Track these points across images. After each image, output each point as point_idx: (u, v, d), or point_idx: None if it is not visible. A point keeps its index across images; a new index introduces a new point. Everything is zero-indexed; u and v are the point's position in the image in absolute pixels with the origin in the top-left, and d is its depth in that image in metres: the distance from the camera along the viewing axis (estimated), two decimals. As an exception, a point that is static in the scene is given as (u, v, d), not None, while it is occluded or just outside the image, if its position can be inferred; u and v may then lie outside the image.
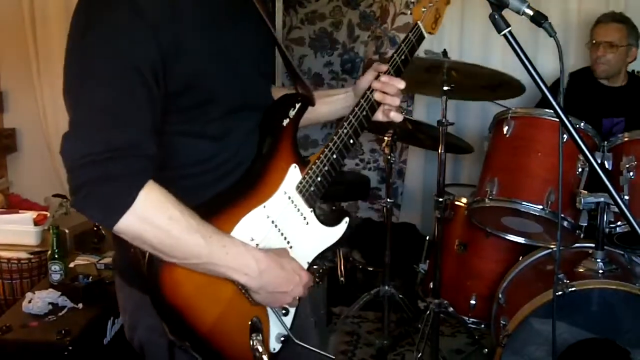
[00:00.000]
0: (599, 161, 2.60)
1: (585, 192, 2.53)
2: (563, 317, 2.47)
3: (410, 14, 1.77)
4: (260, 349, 1.46)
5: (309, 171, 1.59)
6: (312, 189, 1.60)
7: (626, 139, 2.66)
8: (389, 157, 3.38)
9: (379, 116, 1.74)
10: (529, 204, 2.60)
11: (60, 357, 2.27)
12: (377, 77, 1.70)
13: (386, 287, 3.39)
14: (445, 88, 2.95)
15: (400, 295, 3.47)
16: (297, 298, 1.53)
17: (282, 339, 1.57)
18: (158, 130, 1.34)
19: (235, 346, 1.48)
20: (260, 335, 1.48)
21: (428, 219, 4.36)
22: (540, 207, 2.57)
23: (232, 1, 1.51)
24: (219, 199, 1.46)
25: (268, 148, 1.54)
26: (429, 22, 1.76)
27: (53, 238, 2.77)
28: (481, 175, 2.85)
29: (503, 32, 1.38)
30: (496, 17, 1.38)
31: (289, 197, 1.56)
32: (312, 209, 1.61)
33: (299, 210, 1.58)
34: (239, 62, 1.49)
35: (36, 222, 3.29)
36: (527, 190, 2.64)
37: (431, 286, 3.08)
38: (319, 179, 1.60)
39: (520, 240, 2.91)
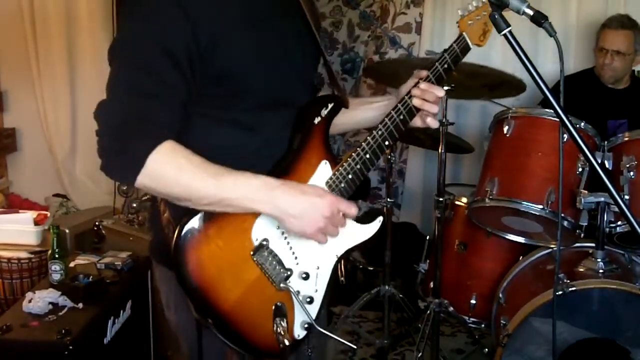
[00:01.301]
0: (599, 161, 2.60)
1: (586, 191, 2.53)
2: (563, 316, 2.47)
3: (458, 25, 1.77)
4: (283, 333, 1.49)
5: (340, 168, 1.63)
6: (342, 185, 1.63)
7: (626, 139, 2.66)
8: (389, 157, 3.37)
9: (417, 122, 1.76)
10: (529, 204, 2.60)
11: (61, 356, 2.27)
12: (417, 84, 1.71)
13: (386, 287, 3.39)
14: (445, 88, 2.94)
15: (401, 295, 3.46)
16: (332, 228, 1.55)
17: (307, 326, 1.61)
18: (185, 107, 1.44)
19: (257, 329, 1.53)
20: (284, 320, 1.51)
21: (428, 218, 4.36)
22: (541, 206, 2.57)
23: (274, 3, 1.58)
24: None
25: (298, 144, 1.60)
26: (477, 34, 1.76)
27: (53, 238, 2.77)
28: (481, 175, 2.85)
29: (503, 32, 1.39)
30: (496, 17, 1.38)
31: None
32: None
33: None
34: (278, 59, 1.56)
35: (36, 222, 3.29)
36: (527, 190, 2.63)
37: (431, 286, 3.08)
38: (350, 176, 1.64)
39: (521, 239, 2.90)
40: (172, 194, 1.42)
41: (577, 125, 2.60)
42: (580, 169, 2.60)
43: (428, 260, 3.35)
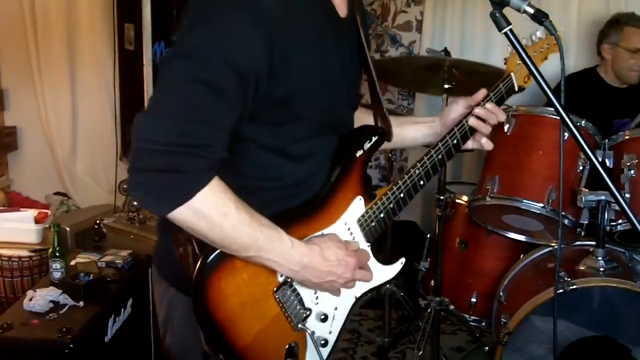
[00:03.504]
0: (600, 159, 2.60)
1: (586, 190, 2.53)
2: (564, 315, 2.47)
3: (505, 63, 1.76)
4: None
5: (373, 206, 1.60)
6: (373, 224, 1.60)
7: (627, 137, 2.65)
8: (390, 155, 3.37)
9: (468, 144, 1.76)
10: (530, 202, 2.59)
11: (61, 355, 2.27)
12: (479, 104, 1.72)
13: (387, 285, 3.39)
14: (446, 86, 2.94)
15: (401, 293, 3.47)
16: (353, 283, 1.54)
17: None
18: (233, 133, 1.34)
19: None
20: None
21: (429, 216, 4.36)
22: (541, 205, 2.57)
23: (338, 23, 1.52)
24: (282, 216, 1.45)
25: (337, 176, 1.55)
26: (522, 76, 1.77)
27: (54, 236, 2.76)
28: (482, 173, 2.85)
29: (504, 30, 1.38)
30: (497, 15, 1.38)
31: (349, 229, 1.57)
32: (369, 244, 1.62)
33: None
34: (336, 87, 1.51)
35: (37, 220, 3.30)
36: (528, 188, 2.63)
37: (432, 284, 3.08)
38: (381, 215, 1.61)
39: (521, 238, 2.90)
40: (209, 236, 1.32)
41: (578, 124, 2.60)
42: (580, 167, 2.60)
43: (429, 259, 3.34)
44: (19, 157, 4.76)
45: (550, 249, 2.85)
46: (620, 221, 2.56)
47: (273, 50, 1.30)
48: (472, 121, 1.69)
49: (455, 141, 1.68)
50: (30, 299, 2.49)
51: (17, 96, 4.66)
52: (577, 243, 2.74)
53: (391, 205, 1.61)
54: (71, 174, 4.71)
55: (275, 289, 1.45)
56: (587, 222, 2.59)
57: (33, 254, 3.10)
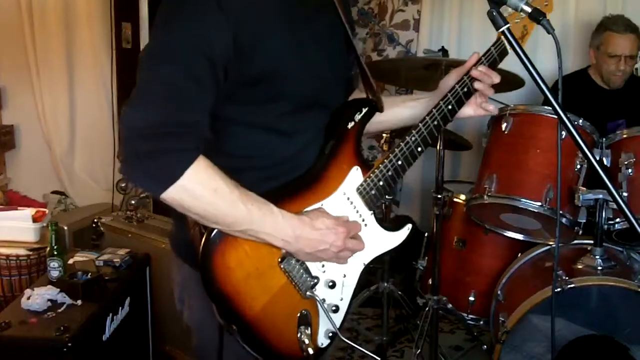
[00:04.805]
0: (598, 158, 2.60)
1: (584, 188, 2.53)
2: (562, 313, 2.47)
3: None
4: (307, 341, 1.49)
5: (371, 175, 1.62)
6: (373, 192, 1.62)
7: (625, 136, 2.66)
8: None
9: (468, 111, 1.75)
10: (527, 201, 2.60)
11: (59, 353, 2.27)
12: (474, 66, 1.70)
13: (385, 284, 3.39)
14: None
15: (399, 292, 3.47)
16: (347, 252, 1.55)
17: (331, 334, 1.61)
18: (212, 115, 1.41)
19: (281, 337, 1.52)
20: (308, 328, 1.51)
21: (427, 215, 4.36)
22: (539, 203, 2.57)
23: (315, 3, 1.56)
24: (278, 192, 1.49)
25: (331, 149, 1.58)
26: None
27: (52, 235, 2.76)
28: (480, 171, 2.85)
29: (501, 29, 1.38)
30: (494, 13, 1.38)
31: (348, 198, 1.59)
32: (372, 212, 1.64)
33: (357, 211, 1.61)
34: (314, 61, 1.54)
35: (35, 219, 3.29)
36: (526, 187, 2.63)
37: (430, 283, 3.08)
38: (381, 183, 1.62)
39: (519, 237, 2.91)
40: (201, 213, 1.37)
41: (575, 123, 2.60)
42: (578, 166, 2.60)
43: (427, 257, 3.35)
44: (16, 156, 4.75)
45: (548, 247, 2.86)
46: (617, 220, 2.57)
47: (239, 32, 1.36)
48: (476, 84, 1.69)
49: (450, 107, 1.68)
50: (28, 298, 2.49)
51: (14, 94, 4.66)
52: (575, 242, 2.74)
53: (389, 173, 1.63)
54: (69, 173, 4.71)
55: (279, 259, 1.49)
56: (584, 221, 2.59)
57: (31, 252, 3.10)
